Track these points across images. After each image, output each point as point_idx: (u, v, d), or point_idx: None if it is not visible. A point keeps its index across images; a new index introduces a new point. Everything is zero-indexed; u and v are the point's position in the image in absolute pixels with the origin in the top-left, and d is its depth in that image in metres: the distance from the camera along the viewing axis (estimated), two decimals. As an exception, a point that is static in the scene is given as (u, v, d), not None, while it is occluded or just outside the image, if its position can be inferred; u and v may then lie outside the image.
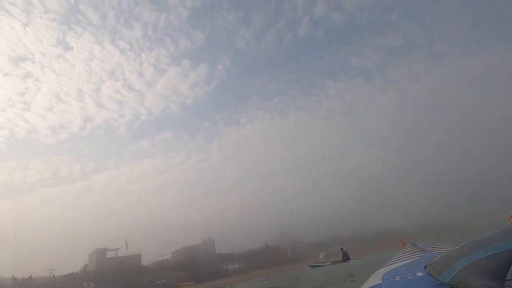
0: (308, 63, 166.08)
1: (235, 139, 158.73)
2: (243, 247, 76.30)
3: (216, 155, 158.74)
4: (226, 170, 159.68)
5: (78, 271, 60.59)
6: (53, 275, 60.75)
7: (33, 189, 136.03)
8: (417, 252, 2.54)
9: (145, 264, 69.38)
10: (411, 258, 2.35)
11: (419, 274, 1.55)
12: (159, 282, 62.75)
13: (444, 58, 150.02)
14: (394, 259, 2.52)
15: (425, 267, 1.52)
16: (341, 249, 21.55)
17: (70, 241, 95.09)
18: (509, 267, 0.96)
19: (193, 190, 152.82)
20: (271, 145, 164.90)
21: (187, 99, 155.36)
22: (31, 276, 56.98)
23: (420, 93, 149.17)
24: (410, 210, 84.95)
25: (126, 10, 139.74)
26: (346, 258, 20.07)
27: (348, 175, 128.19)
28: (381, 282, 1.68)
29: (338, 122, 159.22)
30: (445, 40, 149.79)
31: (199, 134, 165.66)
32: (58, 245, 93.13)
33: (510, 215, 2.68)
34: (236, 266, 72.31)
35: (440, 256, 1.55)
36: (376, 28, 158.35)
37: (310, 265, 21.71)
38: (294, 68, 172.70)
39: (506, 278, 0.95)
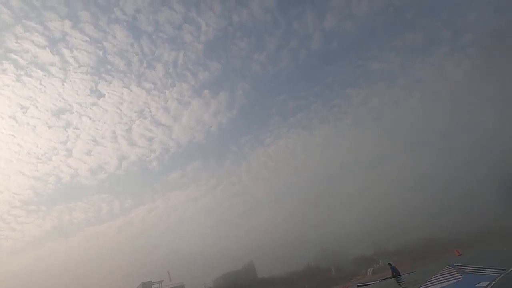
0: (327, 75, 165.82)
1: (263, 160, 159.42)
2: (284, 270, 73.74)
3: (245, 178, 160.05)
4: (258, 192, 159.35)
5: (127, 306, 61.92)
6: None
7: (80, 229, 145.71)
8: (457, 274, 2.38)
9: (188, 295, 69.30)
10: (450, 280, 2.21)
11: None
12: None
13: (470, 50, 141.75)
14: (432, 281, 2.39)
15: None
16: (389, 264, 20.16)
17: (116, 276, 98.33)
18: None
19: (226, 215, 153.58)
20: (299, 161, 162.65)
21: (211, 127, 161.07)
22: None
23: (451, 89, 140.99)
24: (461, 216, 77.59)
25: (148, 53, 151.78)
26: (395, 273, 18.71)
27: (386, 183, 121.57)
28: None
29: (366, 129, 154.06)
30: (469, 31, 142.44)
31: (226, 160, 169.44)
32: (106, 280, 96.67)
33: None
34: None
35: (494, 283, 1.33)
36: (392, 30, 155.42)
37: (358, 285, 20.51)
38: (313, 82, 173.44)
39: None
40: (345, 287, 34.48)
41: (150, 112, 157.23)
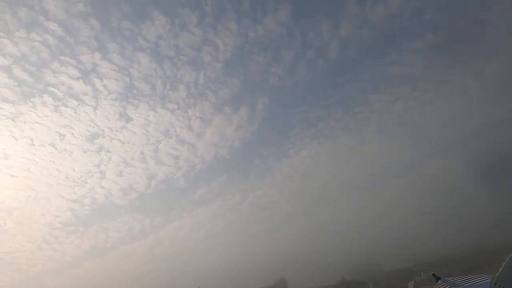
0: (346, 83, 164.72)
1: (287, 172, 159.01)
2: (317, 283, 71.22)
3: (271, 190, 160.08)
4: (285, 205, 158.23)
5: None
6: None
7: (114, 248, 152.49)
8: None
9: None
10: None
11: None
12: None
13: (501, 44, 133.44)
14: None
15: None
16: (433, 274, 18.97)
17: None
18: None
19: (254, 228, 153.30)
20: (324, 170, 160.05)
21: (234, 142, 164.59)
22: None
23: (483, 85, 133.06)
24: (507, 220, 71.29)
25: (170, 76, 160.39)
26: (443, 287, 17.56)
27: (418, 189, 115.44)
28: None
29: (391, 135, 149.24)
30: (496, 26, 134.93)
31: (251, 173, 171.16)
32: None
33: None
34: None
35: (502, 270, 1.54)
36: (411, 32, 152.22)
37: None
38: (333, 91, 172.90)
39: None
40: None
41: (175, 131, 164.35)
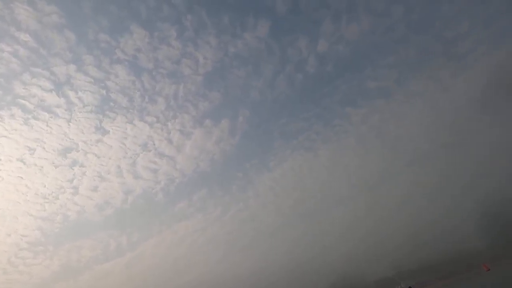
0: (324, 97, 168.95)
1: (269, 184, 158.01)
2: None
3: (253, 203, 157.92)
4: (267, 217, 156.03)
5: None
6: None
7: (88, 267, 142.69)
8: None
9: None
10: None
11: None
12: None
13: (466, 58, 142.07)
14: None
15: None
16: None
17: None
18: None
19: (237, 242, 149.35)
20: (306, 182, 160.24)
21: (215, 155, 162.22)
22: None
23: (452, 98, 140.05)
24: (480, 226, 72.96)
25: (149, 88, 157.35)
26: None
27: (396, 199, 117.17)
28: None
29: (370, 146, 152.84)
30: (462, 40, 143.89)
31: (233, 186, 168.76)
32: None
33: None
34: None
35: None
36: (384, 48, 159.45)
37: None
38: (312, 104, 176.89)
39: None
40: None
41: (154, 144, 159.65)
